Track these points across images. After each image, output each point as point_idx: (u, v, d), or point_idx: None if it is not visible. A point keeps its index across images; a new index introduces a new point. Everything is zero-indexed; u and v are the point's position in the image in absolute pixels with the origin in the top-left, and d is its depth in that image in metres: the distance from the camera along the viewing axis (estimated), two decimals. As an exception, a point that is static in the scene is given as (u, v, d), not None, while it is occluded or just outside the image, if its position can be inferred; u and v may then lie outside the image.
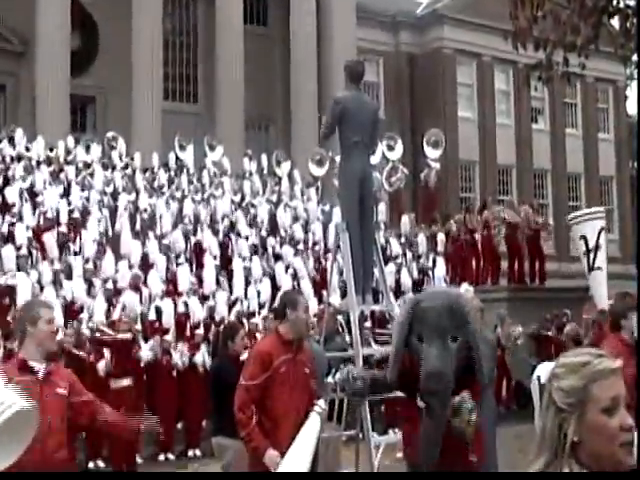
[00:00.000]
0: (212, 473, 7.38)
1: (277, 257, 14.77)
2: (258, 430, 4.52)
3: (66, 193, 15.03)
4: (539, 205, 21.69)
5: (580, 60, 8.64)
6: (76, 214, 14.34)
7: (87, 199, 15.09)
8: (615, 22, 11.04)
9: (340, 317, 8.63)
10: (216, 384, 6.07)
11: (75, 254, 13.04)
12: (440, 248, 16.27)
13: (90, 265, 12.47)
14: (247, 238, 14.90)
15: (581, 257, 8.57)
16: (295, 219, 16.42)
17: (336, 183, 9.89)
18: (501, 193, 28.08)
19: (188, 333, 11.52)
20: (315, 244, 15.62)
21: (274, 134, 25.28)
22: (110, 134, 18.11)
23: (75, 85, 20.69)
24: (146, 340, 10.55)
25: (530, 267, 16.71)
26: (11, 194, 14.22)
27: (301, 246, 15.22)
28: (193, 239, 14.48)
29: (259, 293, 13.04)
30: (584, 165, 30.87)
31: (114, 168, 16.77)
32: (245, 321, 11.45)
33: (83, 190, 15.34)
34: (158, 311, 11.56)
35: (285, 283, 13.39)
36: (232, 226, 15.43)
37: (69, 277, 12.11)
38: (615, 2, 8.78)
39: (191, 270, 13.34)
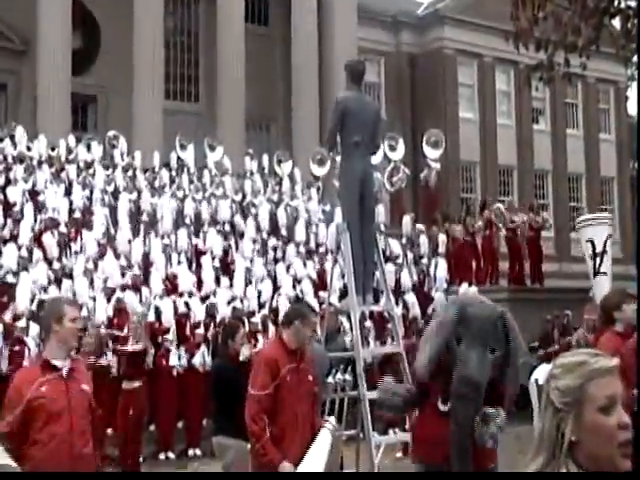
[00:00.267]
0: (212, 473, 7.39)
1: (277, 257, 14.76)
2: (271, 442, 4.50)
3: (67, 192, 15.03)
4: (540, 205, 21.66)
5: (581, 61, 8.65)
6: (77, 214, 14.34)
7: (88, 198, 15.09)
8: (616, 23, 11.04)
9: (341, 317, 8.64)
10: (217, 383, 6.07)
11: (76, 254, 13.04)
12: (441, 249, 16.26)
13: (91, 265, 12.48)
14: (253, 241, 14.87)
15: (587, 260, 8.57)
16: (296, 219, 16.42)
17: (337, 183, 9.90)
18: (502, 194, 28.07)
19: (188, 333, 11.52)
20: (319, 245, 15.62)
21: (275, 133, 25.28)
22: (111, 133, 18.11)
23: (76, 84, 20.69)
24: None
25: (530, 268, 16.72)
26: (13, 194, 14.23)
27: (302, 247, 15.22)
28: (194, 239, 14.48)
29: (259, 293, 13.04)
30: (585, 166, 30.86)
31: (115, 167, 16.77)
32: (245, 321, 11.46)
33: (84, 189, 15.34)
34: (157, 311, 11.56)
35: (286, 283, 13.40)
36: (232, 226, 15.42)
37: (70, 276, 12.12)
38: (616, 3, 8.79)
39: (190, 269, 13.33)
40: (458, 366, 3.73)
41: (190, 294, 12.33)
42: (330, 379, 6.07)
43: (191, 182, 17.01)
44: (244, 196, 17.10)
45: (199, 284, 12.91)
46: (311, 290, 13.11)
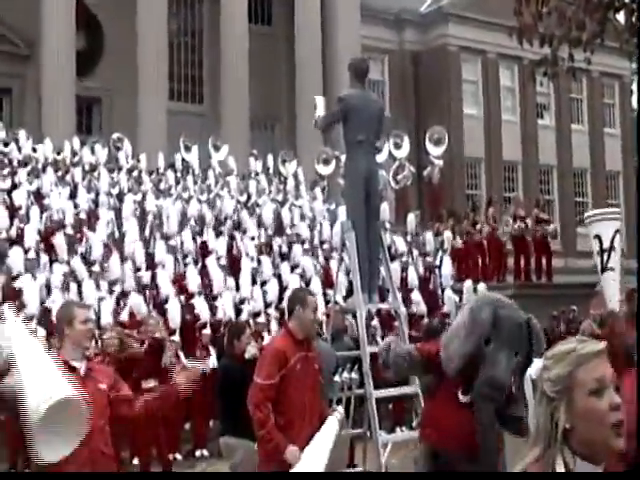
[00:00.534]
0: (219, 473, 7.39)
1: (282, 257, 14.75)
2: (276, 428, 4.51)
3: (72, 195, 15.05)
4: (545, 201, 21.61)
5: (586, 55, 8.61)
6: (83, 216, 14.36)
7: (94, 201, 15.11)
8: (621, 17, 11.00)
9: (348, 316, 8.63)
10: (223, 384, 6.08)
11: (82, 256, 13.05)
12: (447, 246, 16.24)
13: (97, 267, 12.50)
14: (253, 238, 14.88)
15: (594, 256, 8.52)
16: (301, 218, 16.41)
17: (341, 182, 9.90)
18: (507, 190, 28.05)
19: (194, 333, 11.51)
20: (322, 243, 15.60)
21: (279, 133, 25.28)
22: (115, 135, 18.14)
23: (80, 86, 20.74)
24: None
25: (536, 264, 16.68)
26: (18, 197, 14.26)
27: (307, 245, 15.21)
28: (199, 240, 14.48)
29: (265, 293, 13.02)
30: (590, 161, 30.78)
31: (120, 169, 16.77)
32: (251, 321, 11.45)
33: (89, 192, 15.36)
34: (164, 312, 11.55)
35: (292, 283, 13.38)
36: (238, 226, 15.42)
37: (75, 279, 12.13)
38: (620, -3, 8.76)
39: (196, 270, 13.32)
40: (486, 367, 3.76)
41: (200, 294, 12.33)
42: (337, 378, 6.07)
43: (196, 183, 17.02)
44: (249, 196, 17.10)
45: (205, 285, 12.91)
46: (320, 289, 13.09)
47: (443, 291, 14.69)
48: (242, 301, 12.63)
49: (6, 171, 15.34)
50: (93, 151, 17.22)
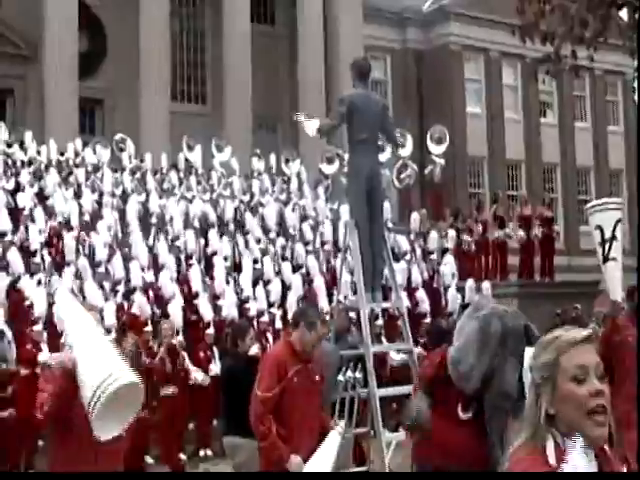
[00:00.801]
0: (223, 473, 7.39)
1: (284, 257, 14.74)
2: (279, 439, 4.52)
3: (76, 196, 15.06)
4: (551, 200, 21.58)
5: (588, 53, 8.60)
6: (87, 217, 14.36)
7: (97, 202, 15.11)
8: (624, 14, 10.98)
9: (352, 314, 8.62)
10: (227, 384, 6.07)
11: (85, 256, 13.04)
12: (450, 244, 16.22)
13: (101, 269, 12.49)
14: (259, 241, 14.85)
15: (596, 247, 8.50)
16: (304, 218, 16.40)
17: (344, 181, 9.89)
18: (510, 188, 28.00)
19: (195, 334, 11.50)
20: (324, 243, 15.58)
21: (282, 133, 25.27)
22: (118, 136, 18.12)
23: (83, 88, 20.75)
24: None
25: (541, 262, 16.66)
26: (22, 199, 14.26)
27: (310, 245, 15.19)
28: (202, 240, 14.47)
29: (268, 293, 13.01)
30: (594, 158, 30.72)
31: (123, 170, 16.77)
32: (254, 321, 11.44)
33: (93, 193, 15.36)
34: (166, 313, 11.54)
35: (294, 283, 13.36)
36: (241, 226, 15.41)
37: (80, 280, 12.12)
38: (622, -6, 8.74)
39: (200, 270, 13.30)
40: (497, 379, 3.82)
41: (203, 293, 12.32)
42: (340, 377, 6.06)
43: (199, 183, 17.01)
44: (252, 196, 17.10)
45: (210, 284, 12.90)
46: (324, 289, 13.08)
47: (446, 290, 14.66)
48: (245, 301, 12.62)
49: (9, 172, 15.37)
50: (95, 152, 17.22)
